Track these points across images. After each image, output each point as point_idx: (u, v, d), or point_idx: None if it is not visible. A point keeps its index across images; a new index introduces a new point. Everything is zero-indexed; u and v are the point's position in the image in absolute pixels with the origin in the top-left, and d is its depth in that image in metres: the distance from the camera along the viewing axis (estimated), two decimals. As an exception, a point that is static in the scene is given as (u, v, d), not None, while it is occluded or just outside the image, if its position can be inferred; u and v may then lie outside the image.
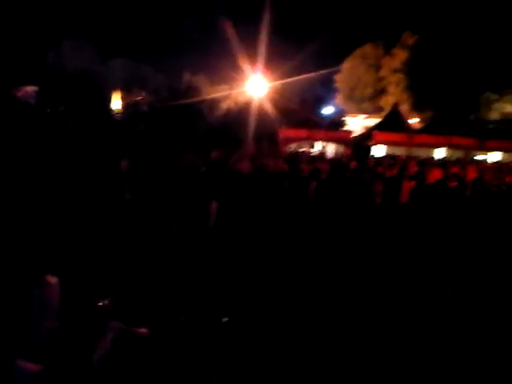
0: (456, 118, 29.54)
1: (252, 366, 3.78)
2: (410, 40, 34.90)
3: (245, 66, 25.80)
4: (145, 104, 25.61)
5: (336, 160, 14.72)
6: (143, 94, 26.46)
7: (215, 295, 4.78)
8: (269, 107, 25.01)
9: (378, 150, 24.46)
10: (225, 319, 4.40)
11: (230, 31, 26.37)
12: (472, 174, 11.07)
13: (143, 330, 3.30)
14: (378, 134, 25.78)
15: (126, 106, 26.50)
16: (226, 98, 25.97)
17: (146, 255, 5.10)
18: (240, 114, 23.44)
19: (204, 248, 5.62)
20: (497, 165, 18.14)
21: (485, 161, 22.42)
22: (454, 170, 12.06)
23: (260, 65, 25.89)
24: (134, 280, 4.57)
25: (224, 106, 25.50)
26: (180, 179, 6.96)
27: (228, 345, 4.03)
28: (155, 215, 6.08)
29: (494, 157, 25.51)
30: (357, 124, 33.97)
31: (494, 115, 31.71)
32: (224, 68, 26.29)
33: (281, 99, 27.11)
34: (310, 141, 25.97)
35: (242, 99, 25.60)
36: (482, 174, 11.34)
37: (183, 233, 5.88)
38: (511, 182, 10.14)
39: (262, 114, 23.14)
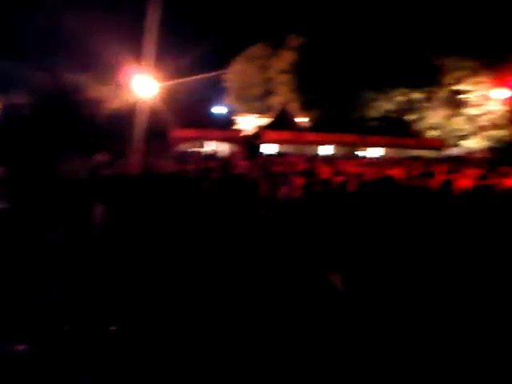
0: (340, 116, 31.10)
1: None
2: (295, 41, 36.04)
3: (134, 65, 24.99)
4: (24, 106, 23.97)
5: (227, 159, 14.79)
6: (22, 95, 24.73)
7: (102, 303, 4.48)
8: (159, 107, 24.50)
9: (270, 149, 25.02)
10: (112, 328, 4.13)
11: (117, 28, 25.39)
12: (355, 169, 11.67)
13: (20, 347, 3.02)
14: (268, 133, 26.41)
15: (3, 108, 24.67)
16: (113, 97, 25.03)
17: (21, 265, 4.66)
18: (128, 114, 22.70)
19: (88, 254, 5.27)
20: (377, 159, 19.38)
21: (366, 156, 23.78)
22: (340, 165, 12.70)
23: (150, 64, 25.22)
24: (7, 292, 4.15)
25: (111, 106, 24.56)
26: (63, 184, 6.53)
27: (116, 355, 3.79)
28: (35, 222, 5.60)
29: (375, 152, 27.19)
30: (248, 123, 34.47)
31: (375, 113, 33.77)
32: (111, 67, 25.24)
33: (171, 99, 26.67)
34: (202, 140, 25.97)
35: (130, 99, 24.81)
36: (364, 168, 12.03)
37: (67, 239, 5.48)
38: (391, 175, 10.81)
39: (151, 115, 22.59)
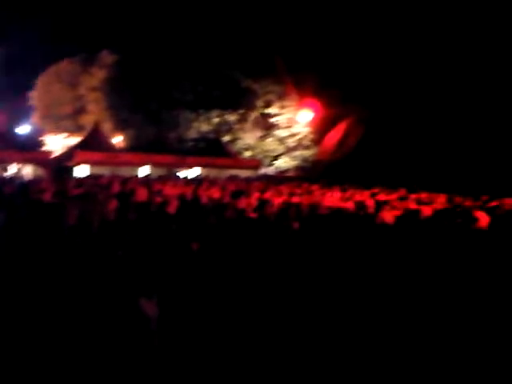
0: (158, 136, 30.71)
1: None
2: (108, 59, 34.84)
3: None
4: None
5: (28, 183, 13.23)
6: None
7: None
8: None
9: (82, 171, 23.35)
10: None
11: None
12: (173, 190, 11.39)
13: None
14: (80, 154, 24.69)
15: None
16: None
17: None
18: None
19: None
20: (196, 180, 19.39)
21: (186, 177, 23.70)
22: (159, 187, 12.28)
23: None
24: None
25: None
26: None
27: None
28: None
29: (195, 172, 27.28)
30: (57, 143, 32.10)
31: (193, 133, 34.07)
32: None
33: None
34: (3, 163, 23.14)
35: None
36: (183, 189, 11.81)
37: None
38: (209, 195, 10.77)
39: None
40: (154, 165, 25.62)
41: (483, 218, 6.81)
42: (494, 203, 9.61)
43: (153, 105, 31.71)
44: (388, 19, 28.67)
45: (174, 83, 31.77)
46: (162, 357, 3.95)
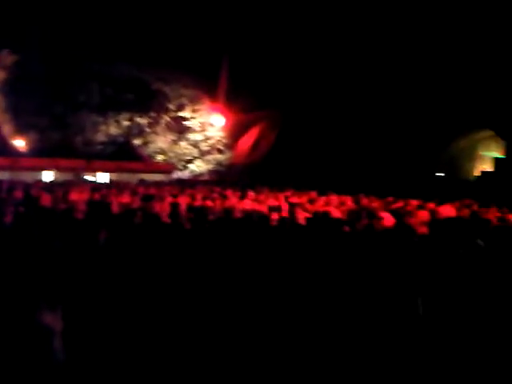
0: (63, 140, 29.39)
1: None
2: (8, 59, 32.88)
3: None
4: None
5: None
6: None
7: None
8: None
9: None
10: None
11: None
12: (80, 196, 10.89)
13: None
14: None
15: None
16: None
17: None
18: None
19: None
20: (106, 185, 18.74)
21: (95, 182, 22.90)
22: (63, 192, 11.70)
23: None
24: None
25: None
26: None
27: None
28: None
29: (105, 177, 26.42)
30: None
31: (102, 137, 32.95)
32: None
33: None
34: None
35: None
36: (91, 194, 11.36)
37: None
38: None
39: None
40: (59, 169, 24.63)
41: (388, 219, 7.10)
42: (398, 204, 10.06)
43: (57, 107, 30.34)
44: (295, 25, 29.26)
45: (79, 86, 30.68)
46: (68, 375, 3.67)
